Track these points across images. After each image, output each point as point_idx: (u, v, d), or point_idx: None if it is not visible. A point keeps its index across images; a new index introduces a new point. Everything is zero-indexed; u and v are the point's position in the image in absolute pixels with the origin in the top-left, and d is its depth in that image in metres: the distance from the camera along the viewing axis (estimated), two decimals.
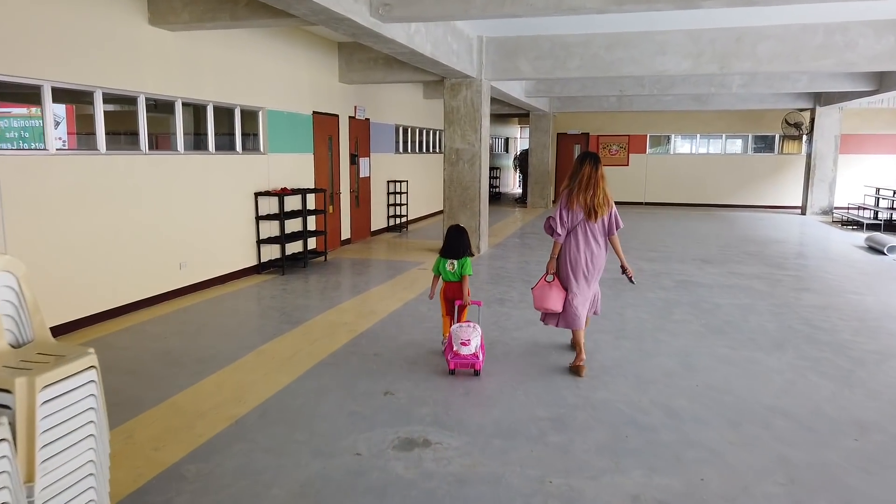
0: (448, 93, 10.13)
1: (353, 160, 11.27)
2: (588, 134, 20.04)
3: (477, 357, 4.65)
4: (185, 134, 7.20)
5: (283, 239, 8.50)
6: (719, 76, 13.03)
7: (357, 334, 5.76)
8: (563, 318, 4.88)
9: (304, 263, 9.05)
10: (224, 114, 7.90)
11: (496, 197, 21.88)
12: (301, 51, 9.29)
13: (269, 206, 8.59)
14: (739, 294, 7.52)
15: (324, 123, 10.15)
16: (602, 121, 19.83)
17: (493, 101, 16.06)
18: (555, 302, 4.81)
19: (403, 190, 13.37)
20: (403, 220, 13.44)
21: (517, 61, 9.89)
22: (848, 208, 16.26)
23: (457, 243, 5.20)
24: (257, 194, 8.33)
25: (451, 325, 4.93)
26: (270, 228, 8.64)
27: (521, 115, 21.12)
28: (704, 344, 5.60)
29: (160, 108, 6.89)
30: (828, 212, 16.70)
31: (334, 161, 10.60)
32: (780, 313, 6.65)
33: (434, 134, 15.74)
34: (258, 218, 8.38)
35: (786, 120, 17.35)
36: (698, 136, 19.42)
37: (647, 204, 19.71)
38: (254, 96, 8.25)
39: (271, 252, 8.72)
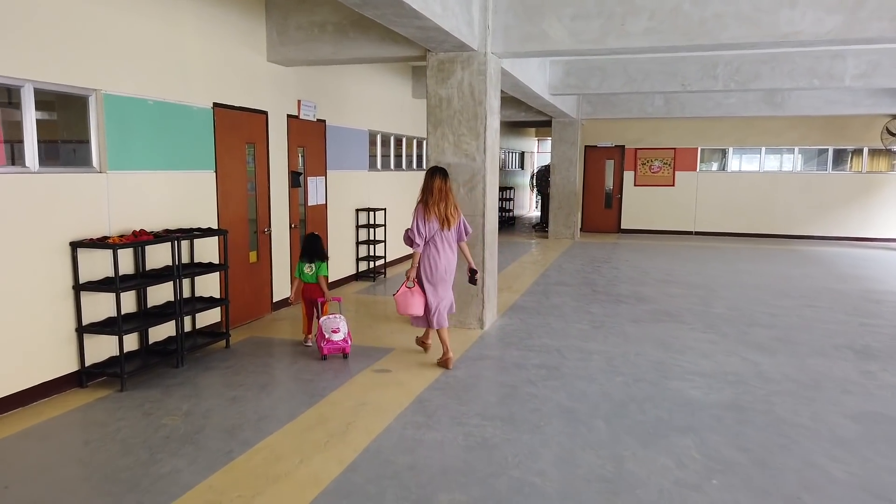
0: (434, 75, 6.38)
1: (296, 181, 7.53)
2: (623, 147, 16.19)
3: (346, 342, 5.43)
4: None
5: (120, 324, 4.70)
6: (832, 58, 9.15)
7: None
8: (429, 319, 5.30)
9: (180, 359, 5.26)
10: None
11: (509, 222, 18.07)
12: (188, 2, 5.60)
13: (106, 264, 4.82)
14: None
15: (237, 124, 6.43)
16: (641, 130, 15.98)
17: (505, 100, 12.30)
18: (417, 307, 5.22)
19: (380, 222, 9.60)
20: (380, 263, 9.66)
21: (544, 23, 6.13)
22: None
23: (313, 248, 5.82)
24: (77, 245, 4.59)
25: (311, 324, 5.84)
26: (108, 304, 4.87)
27: (541, 123, 17.41)
28: None
29: None
30: None
31: (259, 182, 6.86)
32: None
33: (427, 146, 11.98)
34: (79, 287, 4.63)
35: (887, 128, 13.43)
36: (763, 149, 15.52)
37: (696, 234, 15.81)
38: (74, 68, 4.54)
39: (112, 346, 4.94)
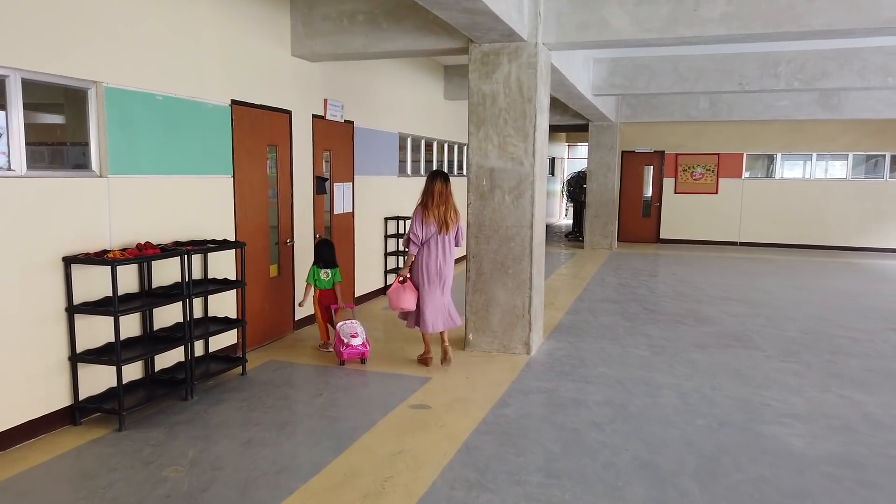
0: (476, 69, 5.68)
1: (322, 187, 6.88)
2: (663, 153, 15.37)
3: (365, 347, 5.38)
4: None
5: (119, 353, 4.06)
6: None
7: None
8: (416, 318, 5.31)
9: (189, 390, 4.60)
10: None
11: None
12: None
13: (105, 281, 4.18)
14: None
15: (258, 124, 5.79)
16: (683, 135, 15.15)
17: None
18: (409, 301, 5.22)
19: None
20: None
21: (604, 9, 5.40)
22: None
23: (329, 255, 5.79)
24: (70, 260, 3.96)
25: (327, 329, 5.82)
26: (107, 328, 4.23)
27: (573, 127, 16.60)
28: None
29: None
30: None
31: (281, 189, 6.22)
32: None
33: (459, 150, 11.33)
34: (73, 309, 4.00)
35: None
36: (814, 155, 14.59)
37: (741, 244, 14.90)
38: (71, 57, 3.92)
39: (111, 375, 4.29)
